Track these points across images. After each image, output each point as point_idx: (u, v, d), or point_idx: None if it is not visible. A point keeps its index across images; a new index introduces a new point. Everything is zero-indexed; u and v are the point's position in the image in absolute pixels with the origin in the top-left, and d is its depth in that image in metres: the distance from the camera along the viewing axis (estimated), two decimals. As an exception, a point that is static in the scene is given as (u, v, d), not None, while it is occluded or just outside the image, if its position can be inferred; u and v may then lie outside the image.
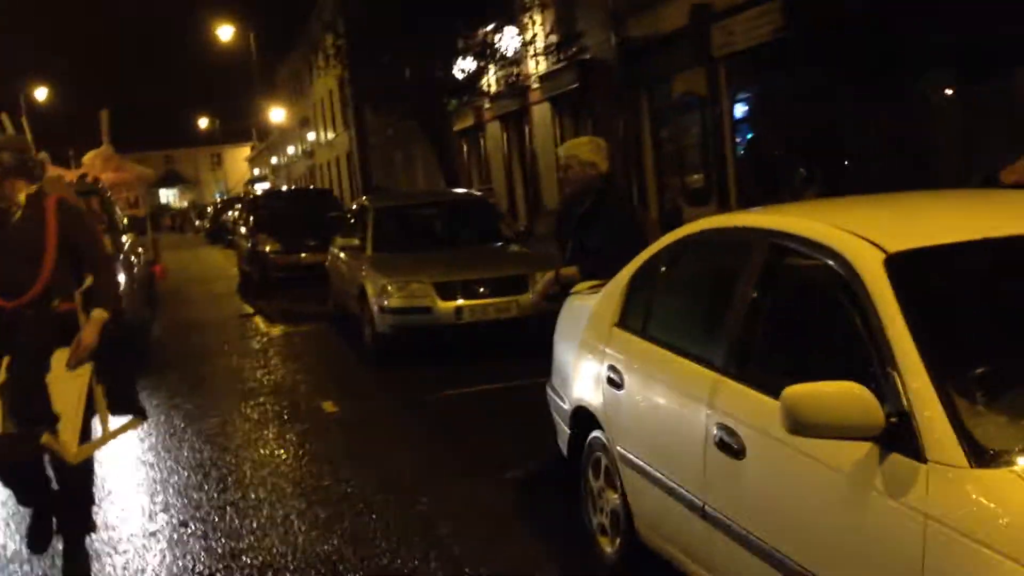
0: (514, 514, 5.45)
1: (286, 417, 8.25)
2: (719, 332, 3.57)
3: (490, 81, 21.73)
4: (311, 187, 28.39)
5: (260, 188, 42.85)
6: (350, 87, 30.12)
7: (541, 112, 21.53)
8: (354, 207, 13.27)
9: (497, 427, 7.28)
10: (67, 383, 4.56)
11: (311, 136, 46.61)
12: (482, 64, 20.01)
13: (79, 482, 4.78)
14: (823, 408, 2.63)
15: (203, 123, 78.83)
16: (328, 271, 13.05)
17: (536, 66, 20.84)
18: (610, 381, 4.29)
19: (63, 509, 4.80)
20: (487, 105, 23.62)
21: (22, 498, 4.98)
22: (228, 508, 5.87)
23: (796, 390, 2.66)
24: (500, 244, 11.18)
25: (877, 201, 4.09)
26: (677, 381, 3.74)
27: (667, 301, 4.24)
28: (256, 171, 67.63)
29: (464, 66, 19.83)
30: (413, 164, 30.51)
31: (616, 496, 4.33)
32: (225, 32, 41.80)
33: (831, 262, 3.14)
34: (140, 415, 5.07)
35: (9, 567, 5.06)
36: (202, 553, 5.15)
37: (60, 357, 4.56)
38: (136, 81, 61.83)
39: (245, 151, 77.14)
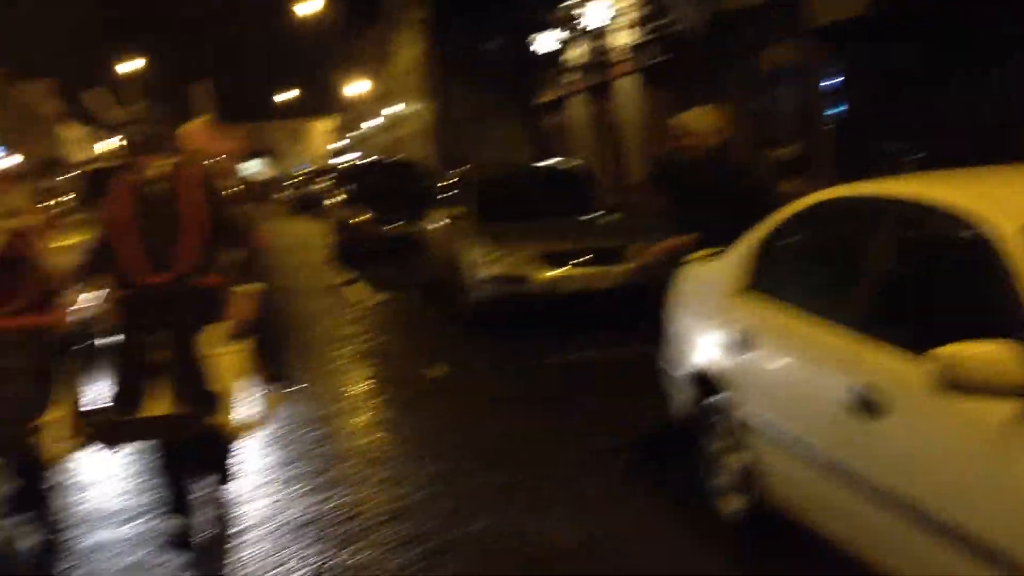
0: (626, 479, 5.59)
1: (390, 382, 8.52)
2: (856, 295, 3.67)
3: (576, 53, 21.76)
4: (400, 159, 28.69)
5: (343, 160, 43.40)
6: (435, 59, 30.39)
7: (628, 85, 21.48)
8: (451, 178, 13.45)
9: (596, 395, 7.43)
10: (224, 360, 4.47)
11: (393, 108, 46.98)
12: (569, 36, 20.01)
13: (221, 445, 4.77)
14: (976, 366, 2.73)
15: (285, 96, 79.86)
16: (424, 241, 13.29)
17: (624, 38, 20.79)
18: (738, 344, 4.40)
19: (203, 464, 4.84)
20: (572, 77, 23.63)
21: (172, 494, 4.83)
22: (346, 464, 6.15)
23: (949, 349, 2.76)
24: (598, 215, 11.29)
25: (1001, 171, 4.14)
26: (812, 343, 3.85)
27: (799, 266, 4.34)
28: (337, 144, 68.42)
29: (551, 37, 19.87)
30: (496, 137, 30.65)
31: (740, 458, 4.45)
32: (308, 5, 42.32)
33: (968, 228, 3.23)
34: (294, 387, 5.15)
35: (147, 516, 5.34)
36: (323, 506, 5.41)
37: (213, 333, 4.47)
38: (218, 54, 62.77)
39: (326, 124, 78.02)
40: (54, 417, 4.49)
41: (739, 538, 4.51)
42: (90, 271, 4.64)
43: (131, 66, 53.46)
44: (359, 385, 8.49)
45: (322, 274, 17.02)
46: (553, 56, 20.51)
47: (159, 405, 4.45)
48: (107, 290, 4.61)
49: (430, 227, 13.08)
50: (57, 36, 49.28)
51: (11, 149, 41.79)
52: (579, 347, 8.92)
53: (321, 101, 73.16)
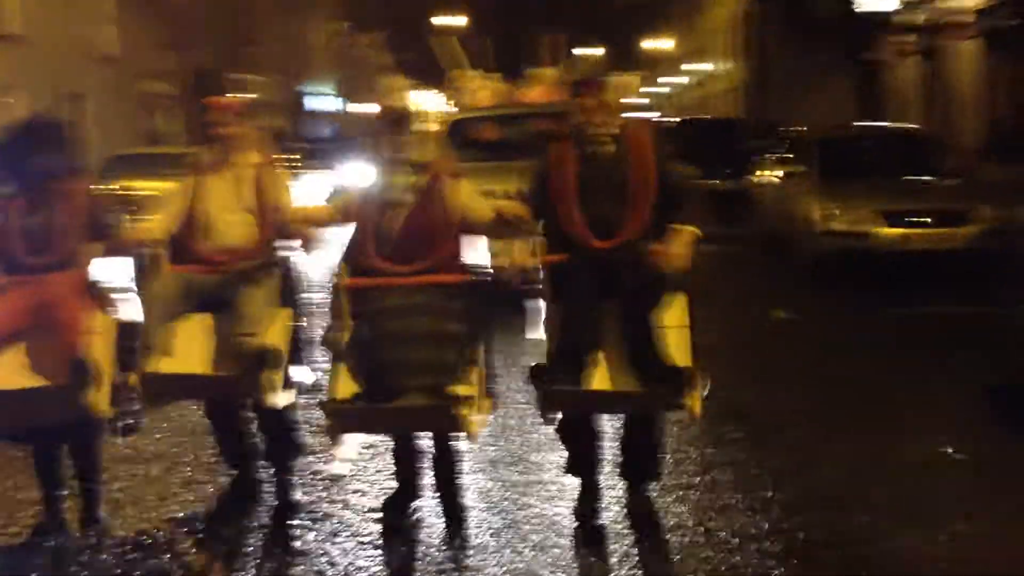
0: (984, 411, 6.02)
1: (737, 322, 9.11)
2: None
3: (913, 13, 21.17)
4: (720, 117, 29.06)
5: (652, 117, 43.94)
6: (755, 16, 30.25)
7: (968, 49, 20.66)
8: (780, 137, 13.79)
9: (942, 345, 7.76)
10: (673, 336, 4.13)
11: (703, 66, 46.93)
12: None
13: (653, 432, 4.44)
14: None
15: (585, 51, 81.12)
16: (756, 196, 13.71)
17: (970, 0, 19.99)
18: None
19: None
20: (904, 38, 22.96)
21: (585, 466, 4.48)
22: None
23: None
24: (940, 176, 11.31)
25: None
26: None
27: None
28: (642, 100, 68.97)
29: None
30: (815, 98, 30.14)
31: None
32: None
33: None
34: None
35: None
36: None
37: (666, 304, 4.15)
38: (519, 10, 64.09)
39: (629, 80, 78.69)
40: (470, 386, 4.14)
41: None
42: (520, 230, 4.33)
43: (452, 20, 55.89)
44: (708, 323, 9.13)
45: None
46: (887, 15, 20.09)
47: (606, 379, 4.13)
48: (538, 252, 4.36)
49: (757, 183, 13.50)
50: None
51: (349, 99, 45.43)
52: (921, 303, 9.17)
53: (623, 58, 73.77)
